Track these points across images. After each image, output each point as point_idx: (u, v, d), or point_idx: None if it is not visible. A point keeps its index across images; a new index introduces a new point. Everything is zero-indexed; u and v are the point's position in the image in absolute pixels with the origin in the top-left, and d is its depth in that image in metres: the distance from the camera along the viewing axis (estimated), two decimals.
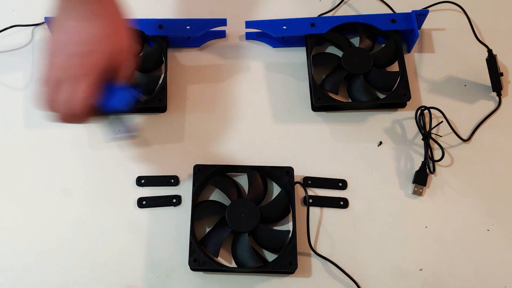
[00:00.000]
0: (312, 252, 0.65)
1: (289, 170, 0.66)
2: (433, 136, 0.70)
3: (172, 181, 0.68)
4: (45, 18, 0.74)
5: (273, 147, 0.71)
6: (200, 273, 0.64)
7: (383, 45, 0.75)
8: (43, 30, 0.78)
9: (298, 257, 0.63)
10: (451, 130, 0.71)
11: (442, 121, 0.71)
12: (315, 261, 0.65)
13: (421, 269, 0.65)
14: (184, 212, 0.67)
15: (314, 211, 0.67)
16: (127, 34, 0.58)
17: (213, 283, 0.64)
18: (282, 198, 0.66)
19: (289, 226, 0.67)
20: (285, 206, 0.66)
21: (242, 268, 0.63)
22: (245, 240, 0.63)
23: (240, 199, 0.65)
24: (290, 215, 0.67)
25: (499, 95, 0.74)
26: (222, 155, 0.71)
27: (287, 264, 0.61)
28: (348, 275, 0.63)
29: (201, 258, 0.61)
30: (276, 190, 0.68)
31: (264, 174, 0.68)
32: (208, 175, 0.66)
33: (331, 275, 0.64)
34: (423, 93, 0.74)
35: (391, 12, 0.80)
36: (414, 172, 0.69)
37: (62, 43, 0.56)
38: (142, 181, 0.69)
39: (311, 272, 0.64)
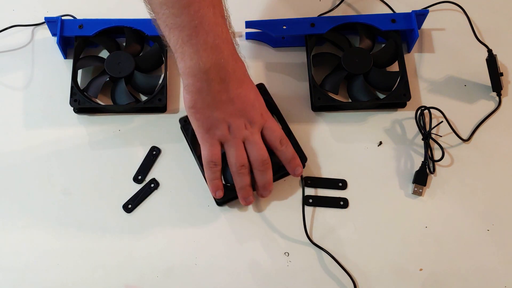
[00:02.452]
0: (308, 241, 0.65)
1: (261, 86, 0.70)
2: (433, 136, 0.70)
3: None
4: (45, 18, 0.74)
5: None
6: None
7: (383, 45, 0.75)
8: (43, 30, 0.78)
9: (294, 244, 0.63)
10: (451, 130, 0.71)
11: (442, 121, 0.71)
12: (311, 250, 0.65)
13: (421, 269, 0.65)
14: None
15: (314, 211, 0.67)
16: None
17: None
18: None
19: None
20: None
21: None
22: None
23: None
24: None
25: (499, 95, 0.74)
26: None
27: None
28: (341, 265, 0.63)
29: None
30: None
31: None
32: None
33: (325, 266, 0.64)
34: (423, 93, 0.74)
35: (391, 12, 0.80)
36: (414, 172, 0.69)
37: (237, 109, 0.61)
38: (139, 177, 0.69)
39: (307, 261, 0.64)
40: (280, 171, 0.66)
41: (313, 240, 0.65)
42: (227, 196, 0.64)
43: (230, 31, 0.60)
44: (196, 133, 0.63)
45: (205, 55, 0.57)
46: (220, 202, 0.67)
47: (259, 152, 0.62)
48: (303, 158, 0.67)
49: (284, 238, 0.66)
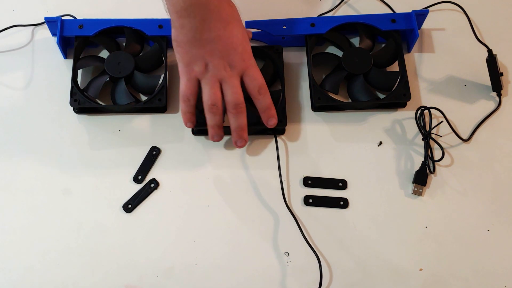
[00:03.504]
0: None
1: (278, 48, 0.73)
2: (433, 136, 0.70)
3: None
4: (45, 18, 0.73)
5: None
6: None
7: (383, 45, 0.75)
8: (43, 30, 0.78)
9: (294, 244, 0.63)
10: (451, 130, 0.71)
11: (442, 121, 0.71)
12: (311, 250, 0.65)
13: (421, 269, 0.65)
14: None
15: (314, 211, 0.67)
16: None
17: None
18: (269, 64, 0.73)
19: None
20: (273, 71, 0.73)
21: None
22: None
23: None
24: None
25: (499, 95, 0.74)
26: (222, 153, 0.71)
27: (278, 122, 0.68)
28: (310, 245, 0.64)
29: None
30: None
31: (254, 52, 0.71)
32: None
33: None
34: (423, 93, 0.74)
35: (391, 12, 0.80)
36: (414, 172, 0.69)
37: (220, 50, 0.62)
38: (139, 177, 0.69)
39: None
40: (259, 124, 0.68)
41: (314, 241, 0.66)
42: (198, 126, 0.68)
43: None
44: (178, 67, 0.64)
45: None
46: (194, 132, 0.71)
47: (233, 95, 0.63)
48: (283, 122, 0.69)
49: (284, 238, 0.66)
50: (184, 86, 0.64)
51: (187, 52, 0.62)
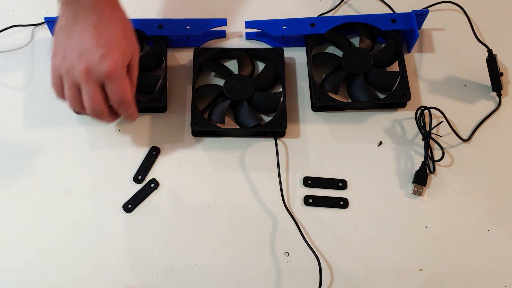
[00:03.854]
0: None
1: (279, 51, 0.73)
2: (433, 136, 0.70)
3: None
4: (45, 18, 0.74)
5: None
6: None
7: (383, 45, 0.75)
8: (43, 30, 0.78)
9: (294, 244, 0.63)
10: (451, 130, 0.71)
11: (442, 121, 0.71)
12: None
13: (421, 269, 0.65)
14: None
15: (314, 211, 0.67)
16: (135, 37, 0.62)
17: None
18: (269, 66, 0.73)
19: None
20: (274, 73, 0.73)
21: (244, 129, 0.70)
22: (245, 106, 0.70)
23: (234, 75, 0.72)
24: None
25: (499, 95, 0.74)
26: (222, 154, 0.71)
27: (278, 124, 0.68)
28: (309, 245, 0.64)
29: (201, 121, 0.68)
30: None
31: (256, 54, 0.75)
32: (205, 57, 0.73)
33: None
34: (423, 93, 0.74)
35: (391, 12, 0.80)
36: (414, 172, 0.69)
37: (82, 47, 0.57)
38: (139, 177, 0.69)
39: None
40: (259, 126, 0.69)
41: (314, 241, 0.66)
42: (199, 127, 0.69)
43: None
44: None
45: None
46: (194, 132, 0.71)
47: (89, 103, 0.58)
48: (283, 125, 0.69)
49: (284, 238, 0.66)
50: (51, 79, 0.60)
51: (57, 40, 0.58)
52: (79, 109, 0.60)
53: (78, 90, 0.58)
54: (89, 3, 0.58)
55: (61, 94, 0.60)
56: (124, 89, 0.59)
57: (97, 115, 0.60)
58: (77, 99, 0.59)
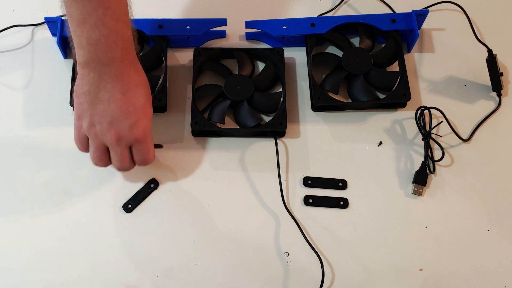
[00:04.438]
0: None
1: (279, 51, 0.73)
2: (433, 136, 0.70)
3: None
4: (45, 18, 0.74)
5: None
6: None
7: (383, 45, 0.75)
8: (43, 30, 0.78)
9: (294, 244, 0.63)
10: (451, 130, 0.71)
11: (442, 121, 0.71)
12: (311, 250, 0.65)
13: (421, 269, 0.65)
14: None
15: (314, 211, 0.67)
16: (151, 95, 0.63)
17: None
18: (269, 66, 0.73)
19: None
20: (274, 73, 0.73)
21: (244, 129, 0.70)
22: (245, 106, 0.70)
23: (234, 75, 0.72)
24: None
25: (499, 95, 0.74)
26: (222, 154, 0.71)
27: (278, 124, 0.69)
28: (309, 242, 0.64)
29: (201, 121, 0.69)
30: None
31: (256, 55, 0.75)
32: (205, 57, 0.73)
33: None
34: (423, 93, 0.74)
35: (391, 12, 0.80)
36: (414, 172, 0.69)
37: (110, 115, 0.58)
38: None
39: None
40: (259, 126, 0.69)
41: (314, 241, 0.66)
42: (199, 127, 0.69)
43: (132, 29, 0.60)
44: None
45: (91, 49, 0.56)
46: (194, 132, 0.71)
47: (119, 163, 0.62)
48: (283, 125, 0.68)
49: (284, 238, 0.66)
50: (75, 137, 0.62)
51: (80, 104, 0.59)
52: (104, 165, 0.62)
53: (105, 150, 0.61)
54: (116, 71, 0.57)
55: (85, 149, 0.62)
56: (149, 150, 0.62)
57: (122, 170, 0.63)
58: (104, 159, 0.62)
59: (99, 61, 0.56)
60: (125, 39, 0.57)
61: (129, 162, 0.62)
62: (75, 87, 0.59)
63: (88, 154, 0.63)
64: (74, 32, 0.56)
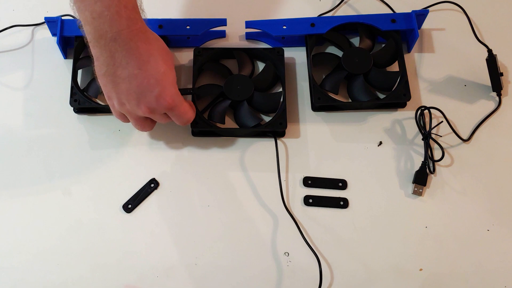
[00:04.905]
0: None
1: (279, 51, 0.73)
2: (433, 136, 0.70)
3: None
4: (45, 18, 0.74)
5: None
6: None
7: (383, 45, 0.75)
8: (43, 30, 0.78)
9: (294, 244, 0.63)
10: (451, 130, 0.71)
11: (442, 121, 0.71)
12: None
13: (421, 269, 0.65)
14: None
15: (314, 211, 0.67)
16: (170, 54, 0.64)
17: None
18: (269, 66, 0.73)
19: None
20: (274, 73, 0.73)
21: (244, 129, 0.70)
22: (245, 106, 0.70)
23: (234, 75, 0.72)
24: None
25: (499, 95, 0.74)
26: (222, 154, 0.71)
27: (278, 124, 0.69)
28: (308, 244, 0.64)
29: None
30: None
31: (256, 54, 0.75)
32: (205, 57, 0.73)
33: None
34: (423, 93, 0.74)
35: (391, 12, 0.80)
36: (414, 172, 0.69)
37: (135, 92, 0.58)
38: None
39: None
40: (259, 126, 0.69)
41: (313, 241, 0.66)
42: (199, 127, 0.69)
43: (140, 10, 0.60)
44: None
45: (96, 23, 0.56)
46: (194, 132, 0.71)
47: (162, 121, 0.64)
48: (283, 125, 0.69)
49: (284, 238, 0.66)
50: (114, 114, 0.64)
51: (104, 85, 0.60)
52: (149, 130, 0.66)
53: (144, 119, 0.63)
54: (126, 44, 0.56)
55: (126, 121, 0.64)
56: (185, 112, 0.63)
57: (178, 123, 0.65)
58: (146, 126, 0.64)
59: (107, 36, 0.56)
60: (128, 8, 0.57)
61: (171, 120, 0.64)
62: (95, 70, 0.60)
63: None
64: (78, 9, 0.57)
